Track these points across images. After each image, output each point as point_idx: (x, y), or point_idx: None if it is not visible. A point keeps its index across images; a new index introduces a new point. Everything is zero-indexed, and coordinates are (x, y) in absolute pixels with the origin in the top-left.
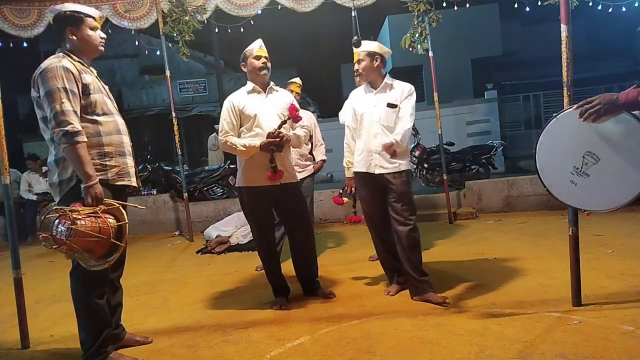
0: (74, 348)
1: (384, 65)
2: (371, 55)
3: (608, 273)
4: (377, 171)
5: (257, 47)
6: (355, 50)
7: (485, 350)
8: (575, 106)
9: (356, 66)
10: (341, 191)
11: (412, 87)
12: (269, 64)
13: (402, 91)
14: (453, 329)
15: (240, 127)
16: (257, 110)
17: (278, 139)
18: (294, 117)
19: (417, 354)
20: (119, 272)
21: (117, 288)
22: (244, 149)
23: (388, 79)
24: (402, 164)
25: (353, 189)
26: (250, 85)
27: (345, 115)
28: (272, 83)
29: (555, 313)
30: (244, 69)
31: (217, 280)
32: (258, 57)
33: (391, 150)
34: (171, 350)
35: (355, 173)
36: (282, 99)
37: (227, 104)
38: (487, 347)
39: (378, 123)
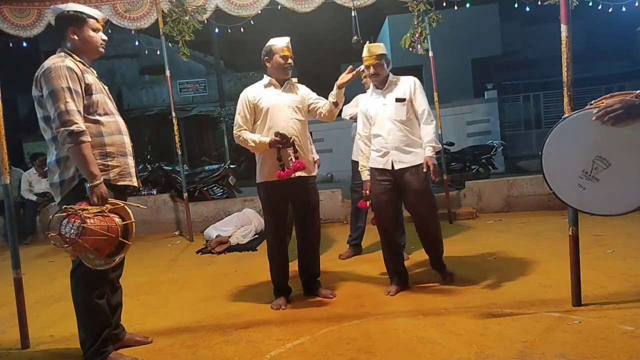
0: (74, 348)
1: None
2: (384, 57)
3: (608, 273)
4: (397, 167)
5: (285, 46)
6: (367, 54)
7: (485, 350)
8: (595, 110)
9: (372, 70)
10: (365, 194)
11: (416, 79)
12: (292, 63)
13: (409, 85)
14: (453, 329)
15: (255, 122)
16: (270, 103)
17: (285, 139)
18: (295, 168)
19: (417, 354)
20: (118, 272)
21: (116, 288)
22: (254, 144)
23: (392, 77)
24: (419, 157)
25: (369, 191)
26: (267, 78)
27: (350, 110)
28: (293, 79)
29: (555, 313)
30: (267, 64)
31: (217, 280)
32: (285, 57)
33: (433, 163)
34: (171, 350)
35: (371, 169)
36: (298, 92)
37: (242, 97)
38: (487, 347)
39: (390, 119)
